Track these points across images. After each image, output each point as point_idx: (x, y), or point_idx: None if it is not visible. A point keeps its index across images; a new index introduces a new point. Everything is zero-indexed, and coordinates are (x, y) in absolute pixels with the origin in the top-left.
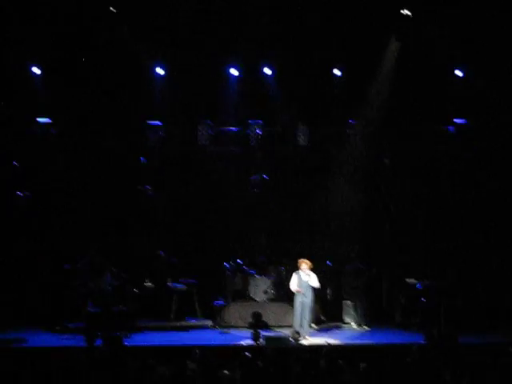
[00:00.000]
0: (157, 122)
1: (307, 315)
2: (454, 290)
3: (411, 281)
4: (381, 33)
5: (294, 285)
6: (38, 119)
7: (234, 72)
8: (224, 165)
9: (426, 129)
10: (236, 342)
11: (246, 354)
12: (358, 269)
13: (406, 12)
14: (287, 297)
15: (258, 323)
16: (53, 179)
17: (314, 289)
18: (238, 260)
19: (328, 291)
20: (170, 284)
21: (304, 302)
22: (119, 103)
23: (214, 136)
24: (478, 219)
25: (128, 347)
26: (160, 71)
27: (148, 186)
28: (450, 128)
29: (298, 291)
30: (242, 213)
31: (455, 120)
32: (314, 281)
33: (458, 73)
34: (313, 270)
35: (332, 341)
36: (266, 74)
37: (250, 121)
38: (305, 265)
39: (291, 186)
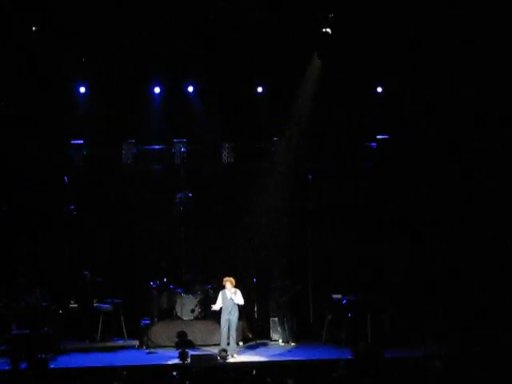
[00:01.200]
0: (80, 141)
1: (234, 333)
2: (380, 304)
3: (337, 296)
4: (303, 50)
5: (216, 303)
6: None
7: (156, 90)
8: (148, 183)
9: (349, 145)
10: (163, 362)
11: (174, 373)
12: (284, 285)
13: (326, 30)
14: (214, 315)
15: (183, 342)
16: None
17: (239, 306)
18: (165, 279)
19: (255, 309)
20: (95, 304)
21: (230, 320)
22: (42, 122)
23: (138, 154)
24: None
25: (53, 369)
26: (82, 89)
27: (71, 206)
28: (373, 144)
29: (214, 309)
30: (168, 231)
31: (378, 136)
32: (238, 298)
33: (379, 89)
34: (237, 286)
35: (259, 358)
36: (189, 92)
37: (174, 139)
38: (229, 283)
39: (216, 203)
